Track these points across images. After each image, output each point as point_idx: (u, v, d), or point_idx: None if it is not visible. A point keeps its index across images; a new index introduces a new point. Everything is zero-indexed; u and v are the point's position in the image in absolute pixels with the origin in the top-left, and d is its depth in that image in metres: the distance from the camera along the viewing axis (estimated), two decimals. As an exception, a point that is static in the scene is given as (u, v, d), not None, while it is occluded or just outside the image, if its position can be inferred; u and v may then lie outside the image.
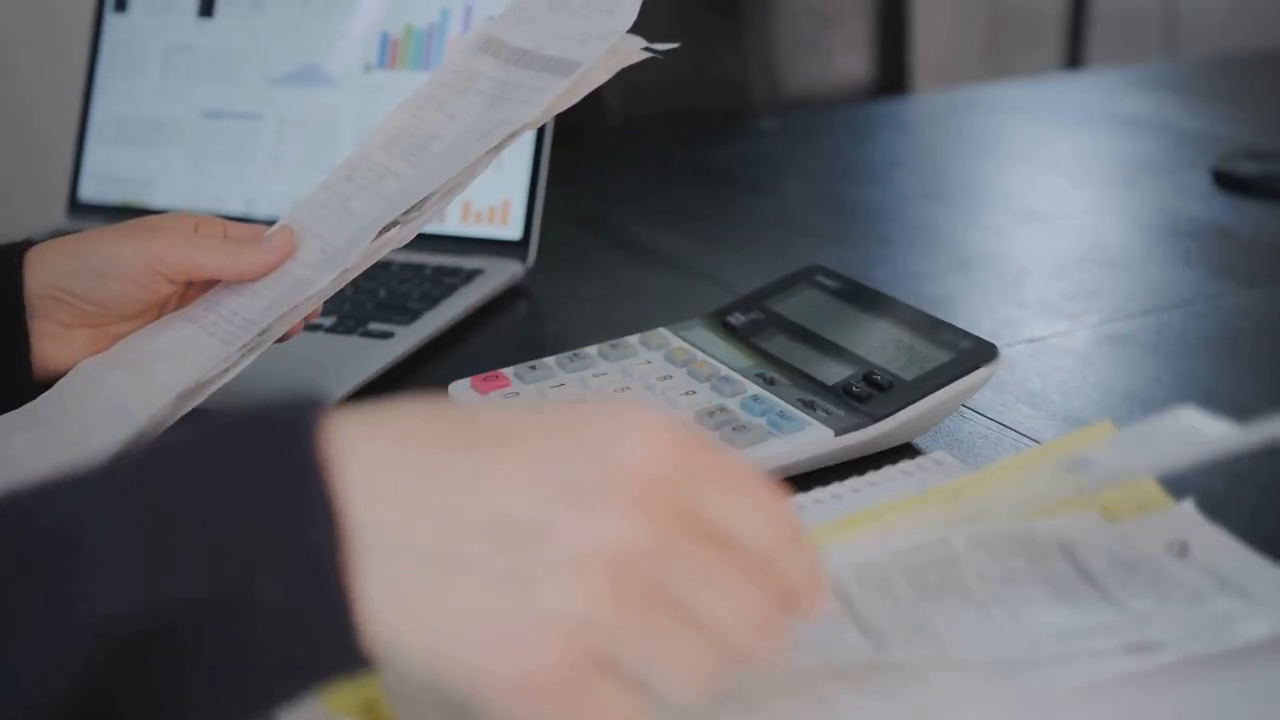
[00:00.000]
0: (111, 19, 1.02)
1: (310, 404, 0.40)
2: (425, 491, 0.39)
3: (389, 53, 0.95)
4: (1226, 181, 1.09)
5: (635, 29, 0.68)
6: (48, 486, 0.39)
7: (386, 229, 0.66)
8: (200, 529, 0.38)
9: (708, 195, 1.16)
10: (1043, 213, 1.07)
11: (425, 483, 0.39)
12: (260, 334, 0.66)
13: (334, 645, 0.38)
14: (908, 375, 0.66)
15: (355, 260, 0.65)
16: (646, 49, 0.68)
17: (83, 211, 1.03)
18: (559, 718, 0.39)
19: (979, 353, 0.66)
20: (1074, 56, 2.35)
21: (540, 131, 0.92)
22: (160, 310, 0.70)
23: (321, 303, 0.68)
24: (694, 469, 0.41)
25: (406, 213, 0.66)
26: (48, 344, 0.68)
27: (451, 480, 0.39)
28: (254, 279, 0.68)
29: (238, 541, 0.38)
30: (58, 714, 0.37)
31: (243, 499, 0.38)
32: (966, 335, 0.67)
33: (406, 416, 0.41)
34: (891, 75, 1.64)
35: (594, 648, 0.39)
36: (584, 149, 1.37)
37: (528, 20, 0.70)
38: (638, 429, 0.40)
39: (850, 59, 1.63)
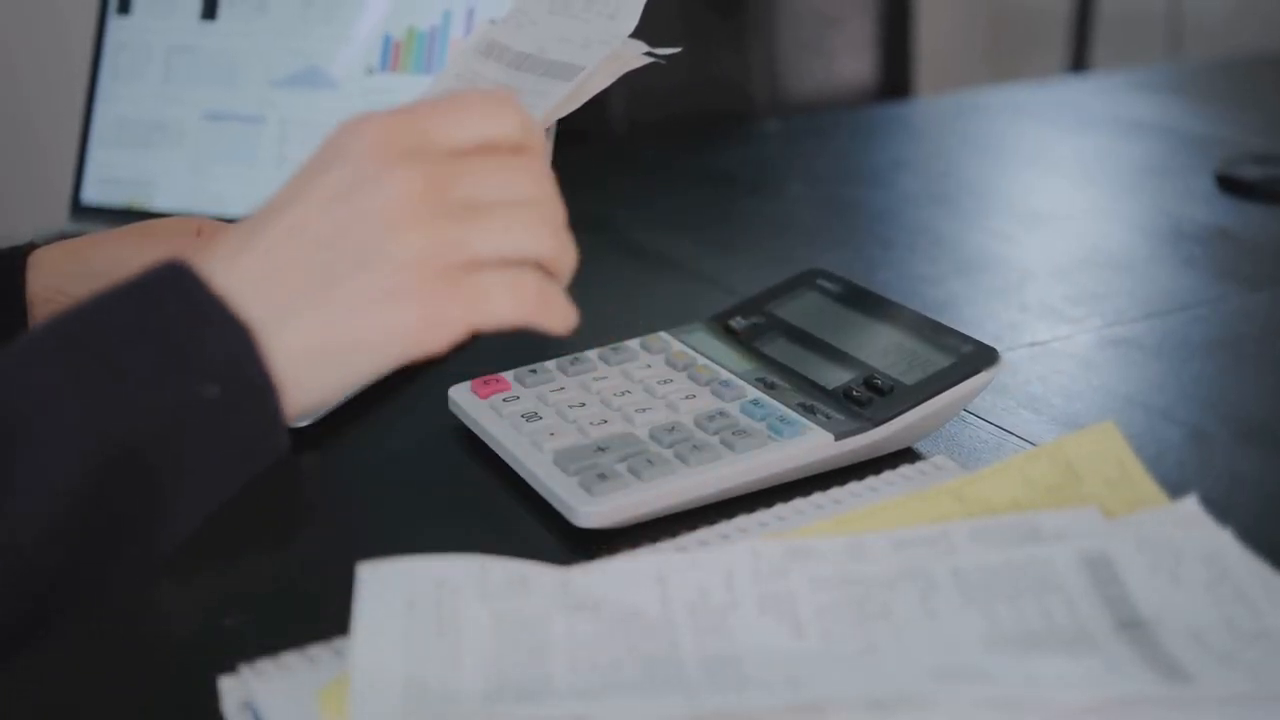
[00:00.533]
0: (114, 21, 1.02)
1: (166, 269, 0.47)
2: (263, 254, 0.47)
3: (391, 55, 0.95)
4: (1230, 185, 1.09)
5: (638, 32, 0.68)
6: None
7: None
8: (143, 357, 0.45)
9: (710, 198, 1.16)
10: (1045, 216, 1.07)
11: (260, 251, 0.47)
12: None
13: (267, 404, 0.46)
14: (908, 379, 0.66)
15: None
16: (649, 54, 0.68)
17: (85, 214, 1.03)
18: (463, 321, 0.48)
19: (980, 356, 0.66)
20: (1079, 59, 2.35)
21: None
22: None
23: None
24: (411, 115, 0.49)
25: None
26: (49, 348, 0.68)
27: (274, 239, 0.48)
28: None
29: (178, 363, 0.45)
30: (56, 545, 0.43)
31: (163, 328, 0.46)
32: (967, 339, 0.67)
33: (226, 232, 0.49)
34: (895, 78, 1.64)
35: (444, 262, 0.47)
36: (587, 152, 1.37)
37: (529, 23, 0.70)
38: (358, 120, 0.49)
39: (853, 61, 1.63)
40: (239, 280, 0.47)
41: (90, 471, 0.43)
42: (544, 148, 0.52)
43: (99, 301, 0.46)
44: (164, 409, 0.45)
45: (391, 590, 0.51)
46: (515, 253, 0.49)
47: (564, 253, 0.51)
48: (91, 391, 0.44)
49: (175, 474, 0.45)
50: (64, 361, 0.45)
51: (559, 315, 0.51)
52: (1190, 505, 0.55)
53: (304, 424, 0.70)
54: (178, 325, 0.46)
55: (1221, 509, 0.55)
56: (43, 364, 0.45)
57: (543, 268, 0.51)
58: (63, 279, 0.67)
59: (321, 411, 0.71)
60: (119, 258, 0.67)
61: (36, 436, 0.43)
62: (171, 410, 0.45)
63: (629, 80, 0.70)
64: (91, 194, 1.03)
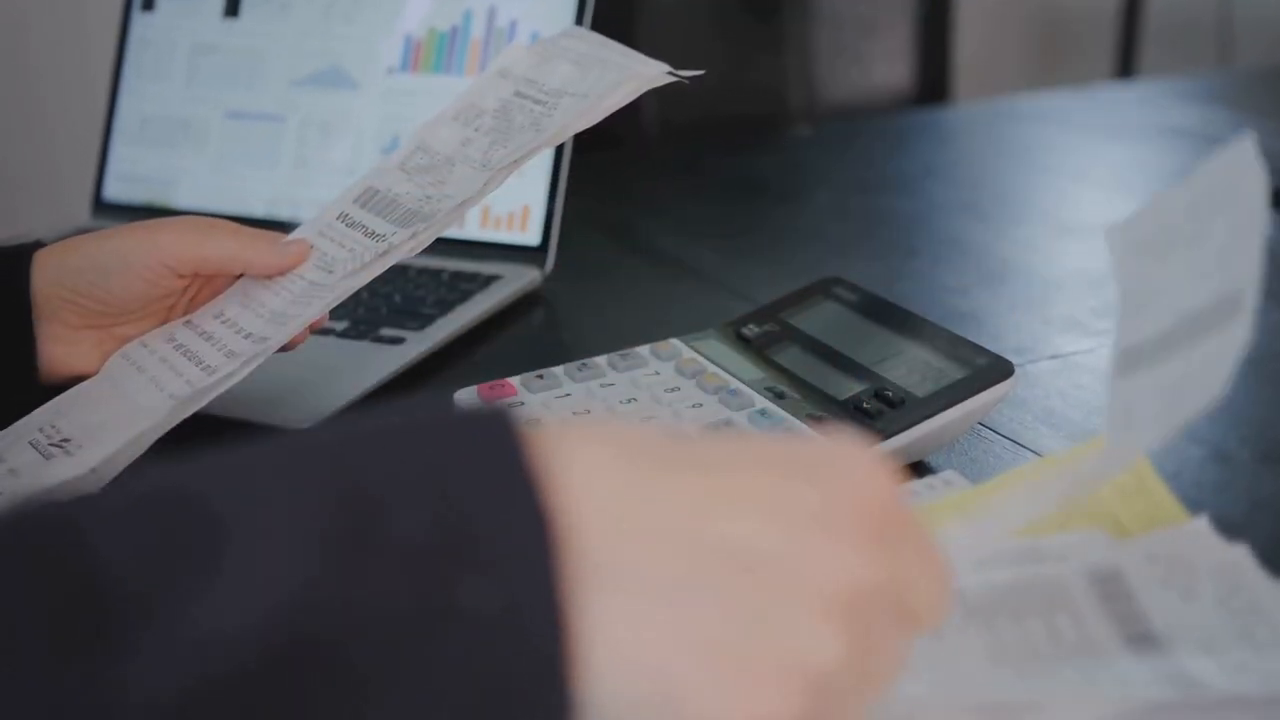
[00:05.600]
0: (138, 18, 1.02)
1: (498, 411, 0.35)
2: (652, 509, 0.35)
3: (412, 55, 0.95)
4: (1269, 198, 1.06)
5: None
6: (211, 467, 0.34)
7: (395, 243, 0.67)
8: (408, 532, 0.33)
9: (737, 204, 1.14)
10: (1076, 226, 1.05)
11: (650, 499, 0.35)
12: (262, 343, 0.65)
13: (544, 672, 0.32)
14: (920, 391, 0.64)
15: (362, 278, 0.66)
16: (671, 73, 0.67)
17: (107, 211, 1.03)
18: None
19: (995, 369, 0.65)
20: (1125, 66, 2.32)
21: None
22: (168, 313, 0.69)
23: (327, 313, 0.68)
24: (907, 512, 0.38)
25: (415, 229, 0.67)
26: (55, 347, 0.68)
27: (680, 497, 0.35)
28: (262, 272, 0.68)
29: (437, 540, 0.32)
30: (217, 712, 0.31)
31: (441, 493, 0.33)
32: (983, 351, 0.66)
33: (613, 425, 0.38)
34: (932, 83, 1.62)
35: (832, 693, 0.35)
36: (618, 156, 1.36)
37: (555, 57, 0.71)
38: (863, 463, 0.37)
39: (891, 67, 1.61)
40: (592, 508, 0.34)
41: (264, 651, 0.31)
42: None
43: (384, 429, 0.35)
44: (402, 598, 0.32)
45: None
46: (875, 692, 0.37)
47: None
48: (317, 547, 0.32)
49: (382, 694, 0.32)
50: (291, 488, 0.33)
51: None
52: (1200, 525, 0.54)
53: (305, 427, 0.69)
54: (475, 496, 0.33)
55: (1240, 530, 0.53)
56: (272, 475, 0.34)
57: None
58: (66, 274, 0.67)
59: (324, 414, 0.70)
60: (122, 249, 0.67)
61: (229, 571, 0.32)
62: (416, 606, 0.32)
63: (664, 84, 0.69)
64: (113, 191, 1.03)
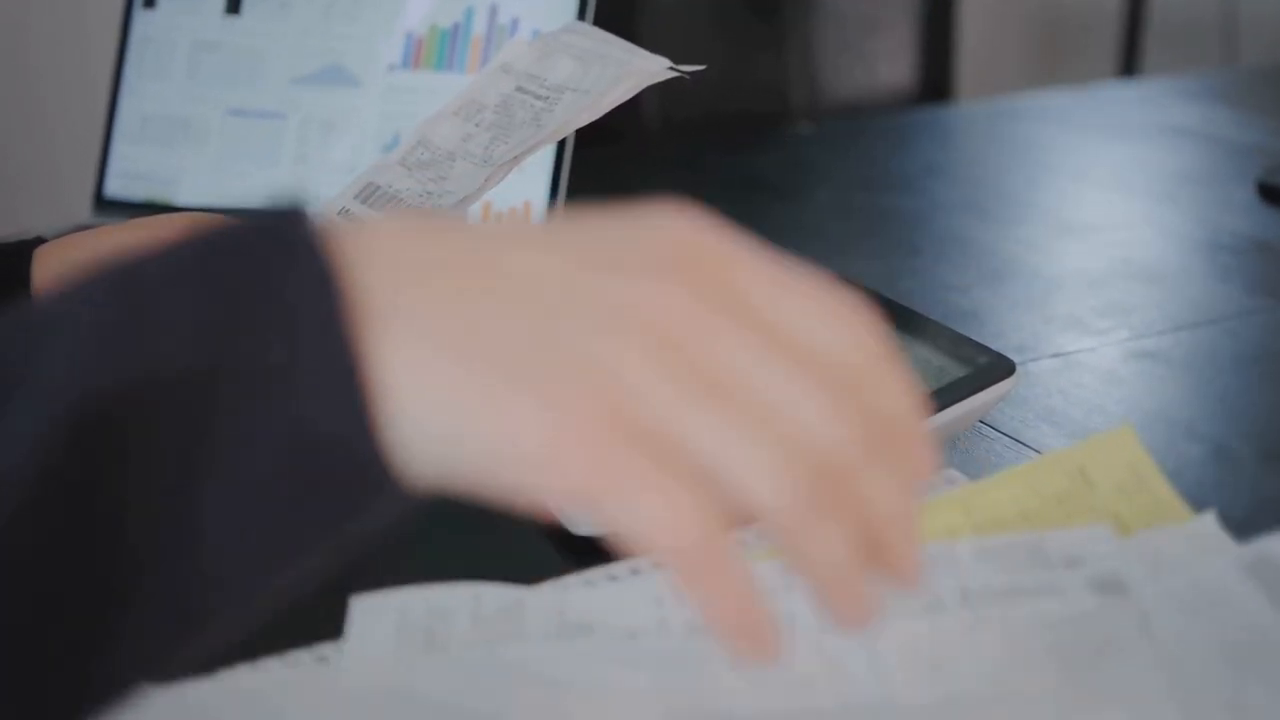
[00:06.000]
0: (139, 15, 1.02)
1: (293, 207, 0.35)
2: (440, 255, 0.35)
3: (413, 53, 0.94)
4: (1271, 194, 1.06)
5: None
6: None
7: None
8: (184, 299, 0.33)
9: (737, 202, 1.14)
10: (1078, 225, 1.04)
11: (434, 243, 0.35)
12: None
13: (345, 417, 0.33)
14: (921, 389, 0.64)
15: None
16: (672, 69, 0.67)
17: (108, 208, 1.03)
18: (589, 492, 0.33)
19: (996, 368, 0.65)
20: (1129, 65, 2.32)
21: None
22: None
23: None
24: (749, 260, 0.36)
25: None
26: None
27: (470, 246, 0.35)
28: None
29: (227, 308, 0.33)
30: (31, 496, 0.32)
31: (229, 268, 0.34)
32: (984, 349, 0.66)
33: (408, 217, 0.37)
34: (935, 82, 1.62)
35: (635, 419, 0.33)
36: (618, 152, 1.36)
37: (556, 53, 0.70)
38: (679, 215, 0.36)
39: (893, 65, 1.61)
40: (378, 260, 0.34)
41: (65, 437, 0.32)
42: (922, 417, 0.37)
43: (176, 243, 0.35)
44: (188, 365, 0.32)
45: (383, 621, 0.50)
46: (727, 471, 0.33)
47: (900, 520, 0.35)
48: (93, 331, 0.33)
49: (194, 465, 0.32)
50: (82, 297, 0.34)
51: (857, 606, 0.35)
52: (1208, 523, 0.53)
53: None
54: (253, 263, 0.34)
55: (1241, 529, 0.53)
56: (62, 300, 0.34)
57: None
58: (67, 269, 0.67)
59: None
60: (123, 245, 0.67)
61: (23, 386, 0.32)
62: (204, 370, 0.32)
63: (664, 80, 0.69)
64: (114, 188, 1.03)
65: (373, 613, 0.51)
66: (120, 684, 0.34)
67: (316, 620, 0.50)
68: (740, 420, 0.33)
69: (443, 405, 0.33)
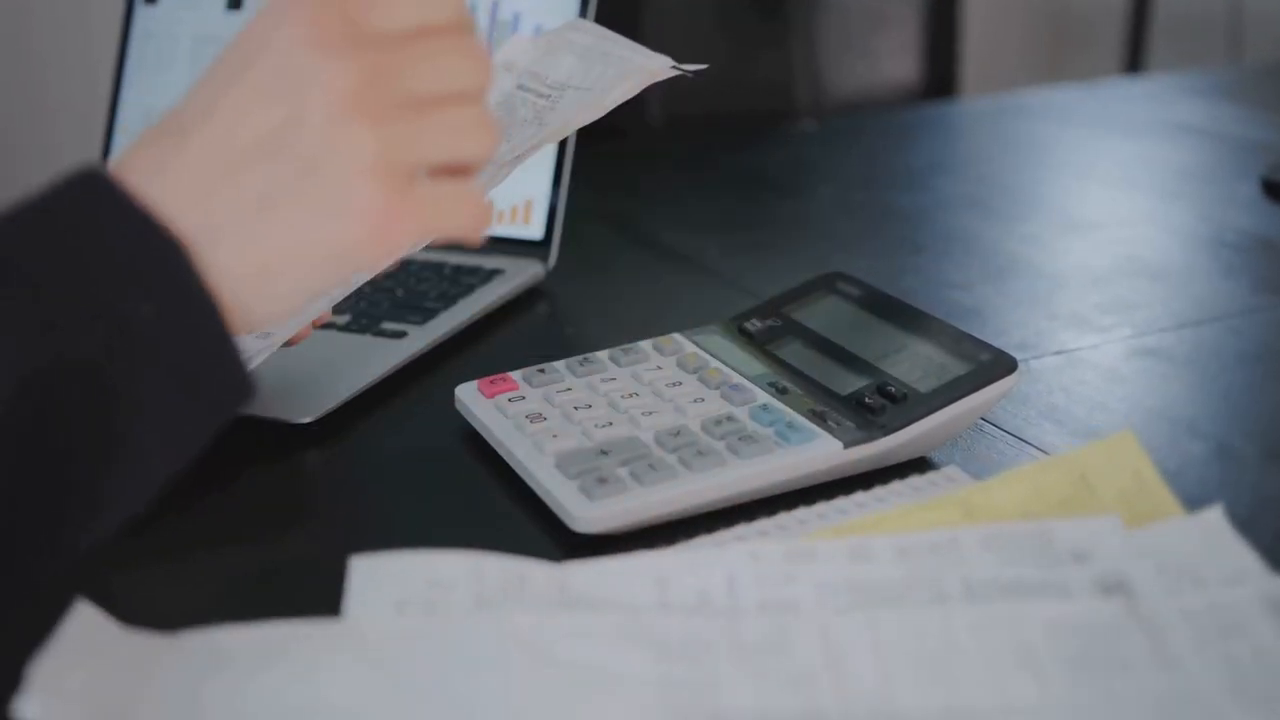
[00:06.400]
0: (141, 11, 1.02)
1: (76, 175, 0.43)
2: (193, 165, 0.43)
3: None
4: (1276, 191, 1.06)
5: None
6: None
7: None
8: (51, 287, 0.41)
9: (741, 198, 1.14)
10: (1082, 222, 1.04)
11: (189, 161, 0.43)
12: (266, 338, 0.65)
13: (216, 352, 0.43)
14: (923, 387, 0.64)
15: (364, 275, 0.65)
16: (675, 67, 0.67)
17: (111, 204, 1.03)
18: (415, 234, 0.45)
19: (998, 365, 0.64)
20: (1134, 61, 2.31)
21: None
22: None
23: (330, 308, 0.67)
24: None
25: None
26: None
27: (202, 147, 0.43)
28: None
29: (90, 279, 0.41)
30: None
31: (72, 245, 0.41)
32: (986, 347, 0.65)
33: (143, 141, 0.45)
34: (940, 78, 1.62)
35: (396, 166, 0.44)
36: (622, 149, 1.36)
37: (558, 50, 0.70)
38: (271, 7, 0.45)
39: (898, 61, 1.60)
40: (168, 194, 0.42)
41: (13, 403, 0.39)
42: (476, 26, 0.48)
43: (4, 217, 0.42)
44: (92, 331, 0.40)
45: (383, 587, 0.50)
46: (462, 156, 0.46)
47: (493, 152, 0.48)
48: (5, 314, 0.40)
49: (114, 409, 0.41)
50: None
51: (484, 223, 0.48)
52: (1214, 516, 0.53)
53: (306, 421, 0.69)
54: (101, 236, 0.41)
55: (1244, 528, 0.52)
56: None
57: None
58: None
59: (325, 409, 0.70)
60: None
61: None
62: (102, 333, 0.40)
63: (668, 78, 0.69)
64: (116, 184, 1.03)
65: (372, 577, 0.51)
66: (88, 539, 0.43)
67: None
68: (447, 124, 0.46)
69: (263, 270, 0.43)
